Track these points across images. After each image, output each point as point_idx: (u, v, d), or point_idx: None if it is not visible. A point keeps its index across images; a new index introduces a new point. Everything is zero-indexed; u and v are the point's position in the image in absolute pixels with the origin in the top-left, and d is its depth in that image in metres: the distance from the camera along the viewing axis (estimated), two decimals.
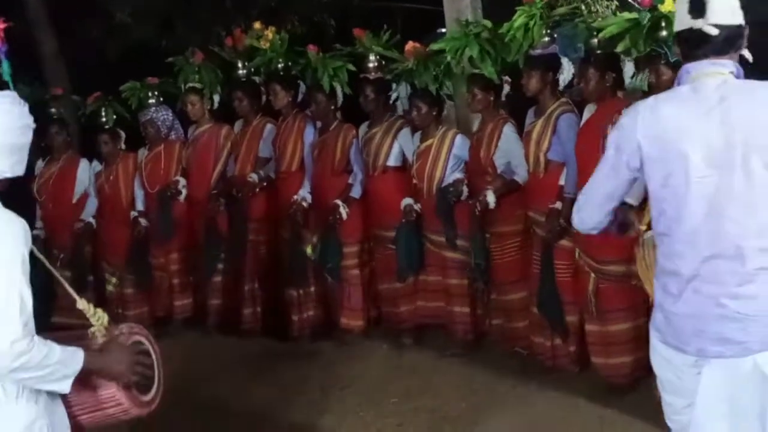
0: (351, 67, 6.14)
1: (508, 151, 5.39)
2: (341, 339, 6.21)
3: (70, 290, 2.84)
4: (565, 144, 4.98)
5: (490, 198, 5.32)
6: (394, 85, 6.09)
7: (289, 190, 6.29)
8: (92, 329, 2.77)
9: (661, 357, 2.80)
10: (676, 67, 4.21)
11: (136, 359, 2.74)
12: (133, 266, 6.80)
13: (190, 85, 6.72)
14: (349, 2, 10.25)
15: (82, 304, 2.81)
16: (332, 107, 6.21)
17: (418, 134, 5.90)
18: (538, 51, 5.05)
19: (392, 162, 6.02)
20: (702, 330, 2.63)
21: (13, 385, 2.48)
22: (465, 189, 5.55)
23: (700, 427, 2.68)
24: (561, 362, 5.24)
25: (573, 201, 4.71)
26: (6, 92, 2.58)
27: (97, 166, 6.96)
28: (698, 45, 2.63)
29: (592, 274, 4.83)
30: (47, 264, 2.84)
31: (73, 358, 2.50)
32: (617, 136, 2.80)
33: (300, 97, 6.44)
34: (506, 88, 5.59)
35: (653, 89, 4.39)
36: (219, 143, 6.66)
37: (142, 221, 6.79)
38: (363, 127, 6.21)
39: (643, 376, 4.71)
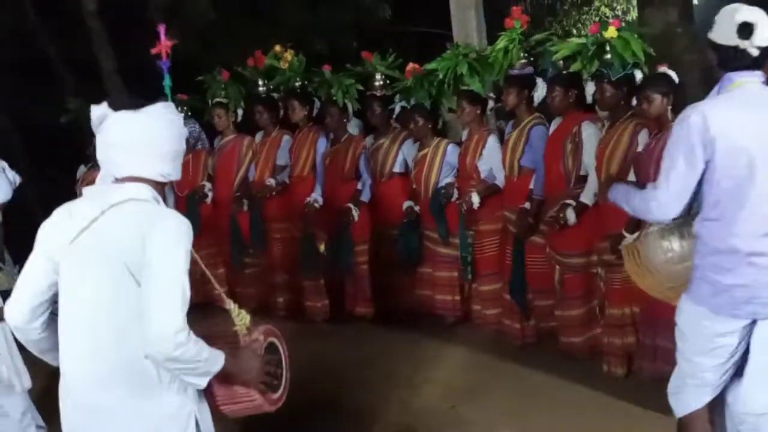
0: (359, 86, 7.04)
1: (491, 158, 6.26)
2: (352, 324, 7.05)
3: (220, 290, 3.07)
4: (535, 152, 5.86)
5: (475, 199, 6.19)
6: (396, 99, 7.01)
7: (301, 192, 7.19)
8: (235, 328, 2.95)
9: (699, 324, 3.33)
10: (618, 84, 5.17)
11: (266, 368, 2.90)
12: None
13: (217, 99, 7.69)
14: (369, 27, 11.31)
15: (229, 304, 2.98)
16: (344, 120, 7.12)
17: (416, 145, 6.82)
18: (515, 71, 5.94)
19: (397, 169, 6.93)
20: (755, 296, 3.18)
21: (167, 373, 2.64)
22: (455, 191, 6.45)
23: (759, 374, 3.33)
24: (528, 341, 6.15)
25: (540, 202, 5.77)
26: (169, 103, 2.91)
27: None
28: (741, 60, 3.23)
29: (558, 267, 5.71)
30: (200, 263, 2.96)
31: (217, 359, 2.66)
32: (688, 134, 3.19)
33: (315, 112, 7.36)
34: (491, 103, 6.47)
35: (598, 104, 5.29)
36: (242, 152, 7.63)
37: None
38: (369, 139, 7.15)
39: (595, 352, 5.63)
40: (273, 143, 7.52)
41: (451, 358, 6.15)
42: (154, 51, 4.00)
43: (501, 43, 6.03)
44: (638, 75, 5.14)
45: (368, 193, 7.06)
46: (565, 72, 5.61)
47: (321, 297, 7.30)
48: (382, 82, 6.99)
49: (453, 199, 6.49)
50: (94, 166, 7.94)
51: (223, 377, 2.75)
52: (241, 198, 7.53)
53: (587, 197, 5.44)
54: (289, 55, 7.53)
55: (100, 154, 2.76)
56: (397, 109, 7.04)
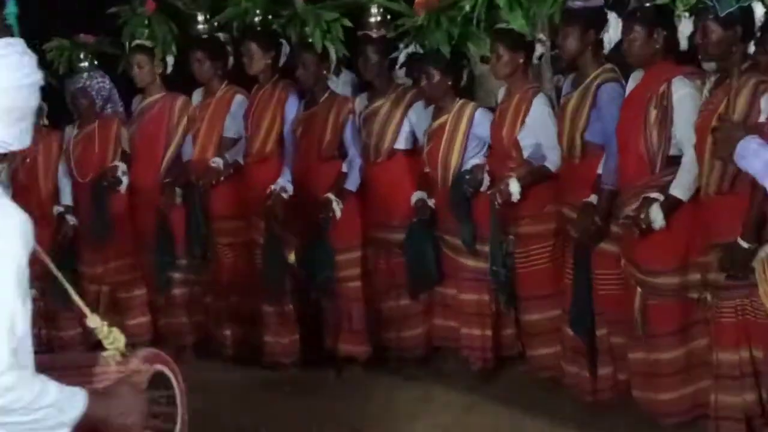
0: (347, 23, 7.10)
1: (539, 129, 6.29)
2: (339, 370, 7.15)
3: (80, 303, 3.06)
4: (606, 121, 5.86)
5: (514, 187, 6.20)
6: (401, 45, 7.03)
7: (263, 179, 7.23)
8: (105, 354, 3.00)
9: None
10: (729, 22, 5.19)
11: (152, 409, 2.93)
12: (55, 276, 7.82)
13: (138, 42, 7.73)
14: None
15: (93, 321, 3.03)
16: (324, 72, 7.16)
17: (430, 109, 6.87)
18: (578, 3, 5.93)
19: (401, 144, 7.01)
20: None
21: None
22: (486, 177, 6.48)
23: None
24: (604, 396, 6.15)
25: (611, 193, 5.78)
26: (13, 40, 2.78)
27: None
28: None
29: (639, 288, 5.70)
30: (53, 269, 3.05)
31: (72, 402, 2.65)
32: None
33: (282, 60, 7.41)
34: (540, 49, 6.50)
35: (700, 51, 5.25)
36: (172, 118, 7.69)
37: (70, 219, 7.84)
38: (361, 100, 7.21)
39: (699, 417, 5.62)
40: (219, 106, 7.60)
41: (484, 425, 6.16)
42: None
43: None
44: (759, 9, 5.09)
45: (357, 179, 7.13)
46: (649, 4, 5.60)
47: (289, 330, 7.38)
48: (380, 18, 7.04)
49: (483, 187, 6.53)
50: None
51: (89, 426, 2.74)
52: (173, 185, 7.60)
53: (681, 188, 5.44)
54: None
55: None
56: (402, 57, 7.07)
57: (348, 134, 7.17)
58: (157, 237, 7.71)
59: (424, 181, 6.92)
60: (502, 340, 6.86)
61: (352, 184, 7.12)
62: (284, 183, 7.21)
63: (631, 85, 5.83)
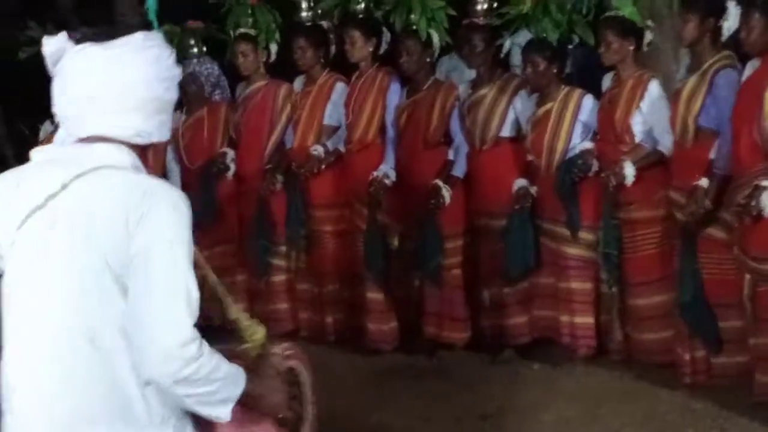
0: (451, 10, 7.07)
1: (653, 114, 6.28)
2: (433, 354, 7.17)
3: (223, 294, 3.14)
4: (721, 106, 5.82)
5: (628, 170, 6.19)
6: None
7: (365, 166, 7.22)
8: (246, 346, 3.06)
9: None
10: None
11: (291, 392, 2.99)
12: None
13: (242, 31, 7.74)
14: None
15: (235, 312, 3.12)
16: (428, 59, 7.16)
17: (534, 97, 6.86)
18: None
19: (507, 132, 6.99)
20: None
21: (160, 410, 2.67)
22: (595, 162, 6.46)
23: None
24: (700, 379, 6.11)
25: (724, 178, 5.75)
26: (153, 33, 2.88)
27: None
28: None
29: (747, 275, 5.66)
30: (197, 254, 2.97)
31: (239, 377, 2.72)
32: None
33: (383, 48, 7.40)
34: (648, 36, 6.44)
35: None
36: (276, 106, 7.71)
37: None
38: (464, 88, 7.19)
39: None
40: (320, 93, 7.60)
41: (623, 412, 6.07)
42: None
43: None
44: None
45: (464, 165, 7.12)
46: None
47: (390, 316, 7.37)
48: (486, 6, 7.03)
49: (591, 172, 6.51)
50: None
51: (241, 409, 2.78)
52: (274, 172, 7.62)
53: None
54: None
55: (58, 106, 2.79)
56: (508, 45, 7.11)
57: (454, 121, 7.15)
58: (258, 223, 7.74)
59: (526, 169, 6.90)
60: (602, 327, 6.81)
61: (459, 170, 7.11)
62: (387, 169, 7.20)
63: (747, 73, 5.79)
